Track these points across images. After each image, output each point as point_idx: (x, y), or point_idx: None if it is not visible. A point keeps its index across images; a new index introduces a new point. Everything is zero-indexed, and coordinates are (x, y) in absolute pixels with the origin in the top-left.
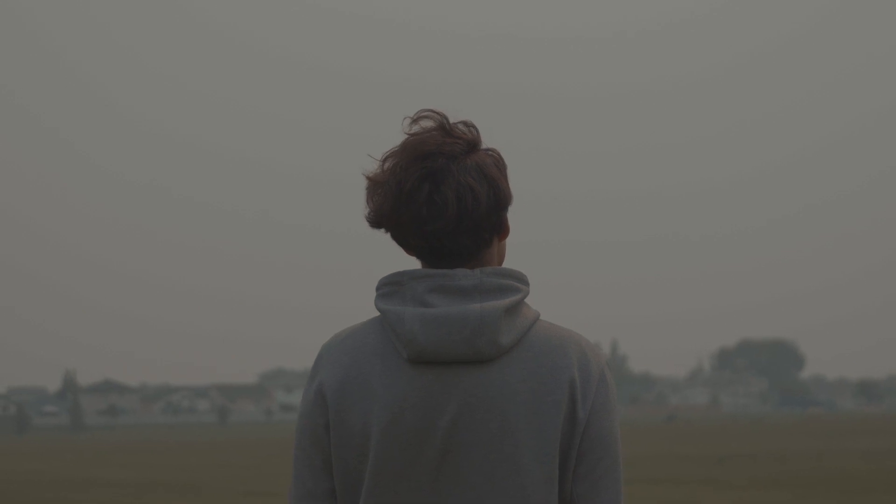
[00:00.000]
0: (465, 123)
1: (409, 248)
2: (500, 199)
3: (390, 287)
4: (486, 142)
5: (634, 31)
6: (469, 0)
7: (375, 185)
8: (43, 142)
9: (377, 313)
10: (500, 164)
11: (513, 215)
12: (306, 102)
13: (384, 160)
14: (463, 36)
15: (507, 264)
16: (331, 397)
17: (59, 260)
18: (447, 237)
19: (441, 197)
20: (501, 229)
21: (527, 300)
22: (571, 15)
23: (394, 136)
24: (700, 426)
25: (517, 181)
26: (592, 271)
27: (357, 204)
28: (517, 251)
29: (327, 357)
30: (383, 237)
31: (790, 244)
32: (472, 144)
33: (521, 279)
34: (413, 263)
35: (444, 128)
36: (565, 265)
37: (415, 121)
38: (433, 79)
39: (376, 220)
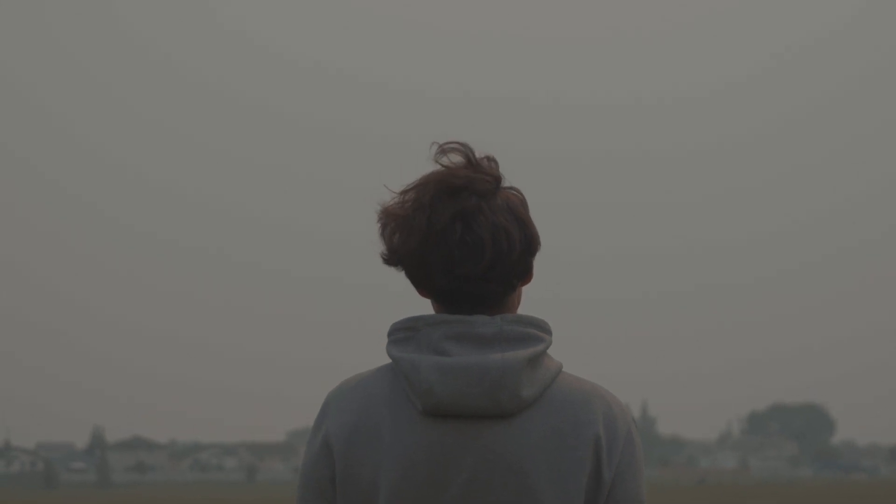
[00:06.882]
0: (488, 158)
1: (430, 289)
2: (531, 242)
3: (404, 332)
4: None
5: (661, 98)
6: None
7: (394, 219)
8: (71, 210)
9: None
10: (525, 205)
11: (541, 269)
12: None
13: (405, 192)
14: (468, 94)
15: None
16: (338, 448)
17: (87, 320)
18: (477, 281)
19: (475, 238)
20: (527, 275)
21: (549, 351)
22: (591, 80)
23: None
24: (733, 489)
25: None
26: (621, 329)
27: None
28: (543, 307)
29: (335, 405)
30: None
31: (816, 292)
32: (498, 181)
33: (544, 328)
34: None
35: (471, 162)
36: (593, 322)
37: (442, 151)
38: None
39: (394, 258)
